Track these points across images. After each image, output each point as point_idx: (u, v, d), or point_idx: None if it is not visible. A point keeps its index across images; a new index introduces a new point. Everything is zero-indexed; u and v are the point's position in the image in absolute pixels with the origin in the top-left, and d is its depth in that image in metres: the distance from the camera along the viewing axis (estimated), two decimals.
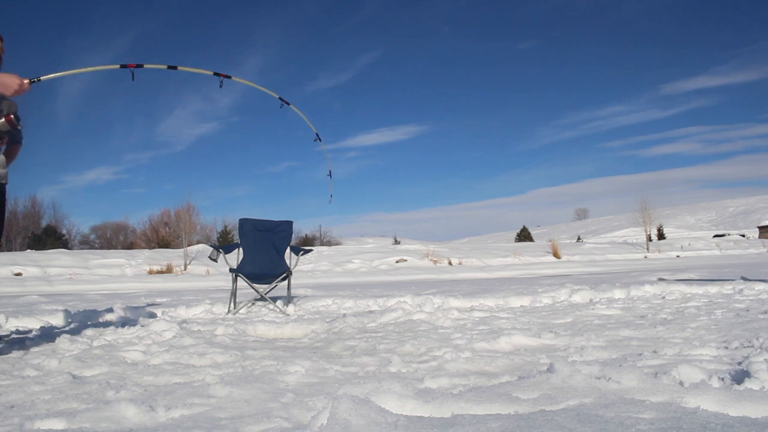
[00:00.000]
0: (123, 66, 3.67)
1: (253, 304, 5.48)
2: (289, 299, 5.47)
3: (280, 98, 4.60)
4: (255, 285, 5.35)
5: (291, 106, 4.68)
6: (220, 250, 5.42)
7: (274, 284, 5.39)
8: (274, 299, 5.45)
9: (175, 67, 3.90)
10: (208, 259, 5.37)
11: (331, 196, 5.23)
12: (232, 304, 5.24)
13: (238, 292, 5.41)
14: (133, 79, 3.66)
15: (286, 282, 5.41)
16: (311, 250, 7.92)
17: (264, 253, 5.60)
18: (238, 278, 5.28)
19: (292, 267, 5.48)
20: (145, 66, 3.77)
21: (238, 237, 5.75)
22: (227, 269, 6.25)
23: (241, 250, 5.58)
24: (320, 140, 4.86)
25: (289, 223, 5.80)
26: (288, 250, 5.70)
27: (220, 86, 4.13)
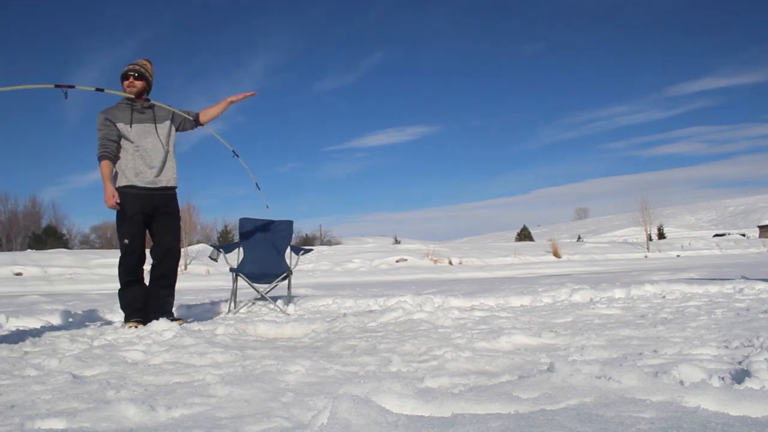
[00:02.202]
0: (57, 86, 3.82)
1: (254, 303, 5.48)
2: (289, 299, 5.47)
3: (195, 118, 4.58)
4: (255, 284, 5.35)
5: (207, 128, 4.61)
6: (221, 249, 5.42)
7: (274, 284, 5.39)
8: (275, 299, 5.45)
9: (102, 90, 4.07)
10: (209, 258, 5.37)
11: (267, 206, 5.57)
12: (232, 304, 5.24)
13: (238, 291, 5.41)
14: (66, 98, 3.81)
15: (286, 281, 5.41)
16: (311, 250, 7.91)
17: (264, 253, 5.59)
18: (239, 278, 5.28)
19: (292, 266, 5.47)
20: (77, 87, 3.93)
21: (238, 236, 5.75)
22: (227, 269, 6.26)
23: (241, 249, 5.58)
24: (237, 156, 4.84)
25: (290, 223, 5.80)
26: (288, 249, 5.69)
27: (147, 106, 4.28)
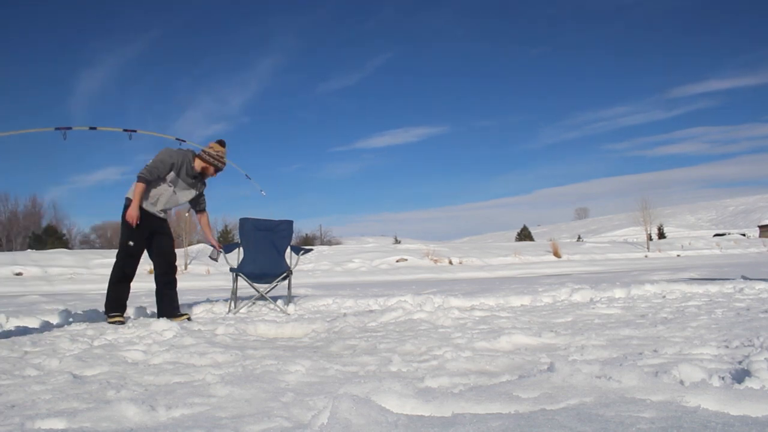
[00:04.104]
0: (57, 128, 4.38)
1: (254, 303, 5.48)
2: (289, 299, 5.47)
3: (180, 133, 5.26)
4: (255, 284, 5.35)
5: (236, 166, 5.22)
6: (221, 249, 5.41)
7: (274, 284, 5.39)
8: (275, 299, 5.45)
9: (94, 128, 4.77)
10: (209, 258, 5.35)
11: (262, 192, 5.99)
12: (232, 304, 5.24)
13: (238, 291, 5.41)
14: (65, 139, 4.44)
15: (286, 281, 5.41)
16: (312, 250, 7.92)
17: (264, 253, 5.59)
18: (239, 278, 5.28)
19: (292, 266, 5.47)
20: (74, 128, 4.52)
21: (238, 236, 5.75)
22: (227, 269, 6.26)
23: (241, 249, 5.58)
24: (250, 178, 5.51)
25: (290, 223, 5.79)
26: (288, 249, 5.69)
27: (129, 138, 4.98)
